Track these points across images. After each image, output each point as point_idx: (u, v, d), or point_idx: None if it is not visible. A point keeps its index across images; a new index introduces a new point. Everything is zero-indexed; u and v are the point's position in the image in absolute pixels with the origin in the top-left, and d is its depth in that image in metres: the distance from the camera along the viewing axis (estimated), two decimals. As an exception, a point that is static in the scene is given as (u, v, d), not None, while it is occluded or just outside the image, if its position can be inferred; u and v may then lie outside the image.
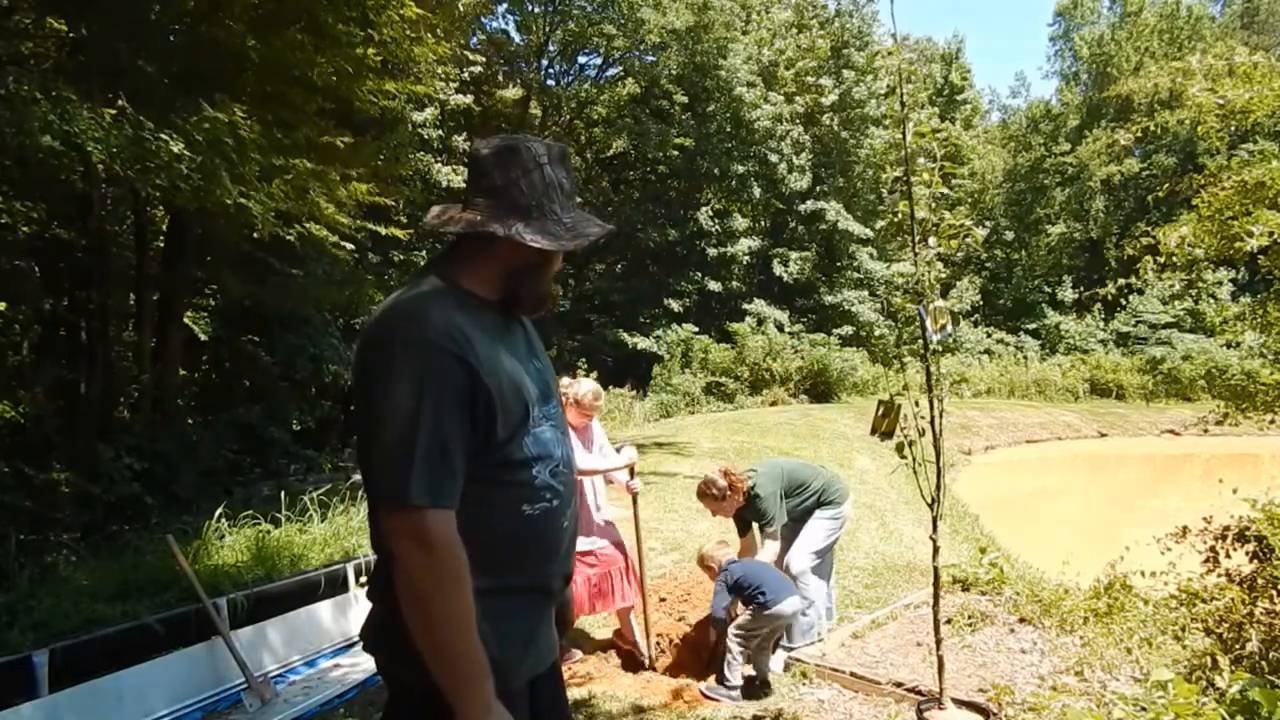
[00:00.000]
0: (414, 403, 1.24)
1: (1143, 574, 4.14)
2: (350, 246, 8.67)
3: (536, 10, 20.29)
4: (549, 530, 1.40)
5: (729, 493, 3.93)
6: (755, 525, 4.05)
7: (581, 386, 3.83)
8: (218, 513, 5.30)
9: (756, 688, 3.60)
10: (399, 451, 1.24)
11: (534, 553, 1.39)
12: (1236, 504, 3.77)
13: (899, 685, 3.42)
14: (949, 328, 2.95)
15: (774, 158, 21.36)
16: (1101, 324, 26.77)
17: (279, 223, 6.72)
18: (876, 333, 22.10)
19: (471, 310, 1.36)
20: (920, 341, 2.89)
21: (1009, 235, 30.26)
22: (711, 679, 3.71)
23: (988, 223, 27.63)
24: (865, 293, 22.54)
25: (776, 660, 3.78)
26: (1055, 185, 30.07)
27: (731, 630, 3.58)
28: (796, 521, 4.08)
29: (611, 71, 22.39)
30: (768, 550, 3.91)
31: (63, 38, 6.10)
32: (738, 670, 3.54)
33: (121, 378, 9.15)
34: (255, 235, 7.04)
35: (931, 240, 2.90)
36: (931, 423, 2.82)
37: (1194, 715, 2.38)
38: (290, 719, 3.62)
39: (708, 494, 3.99)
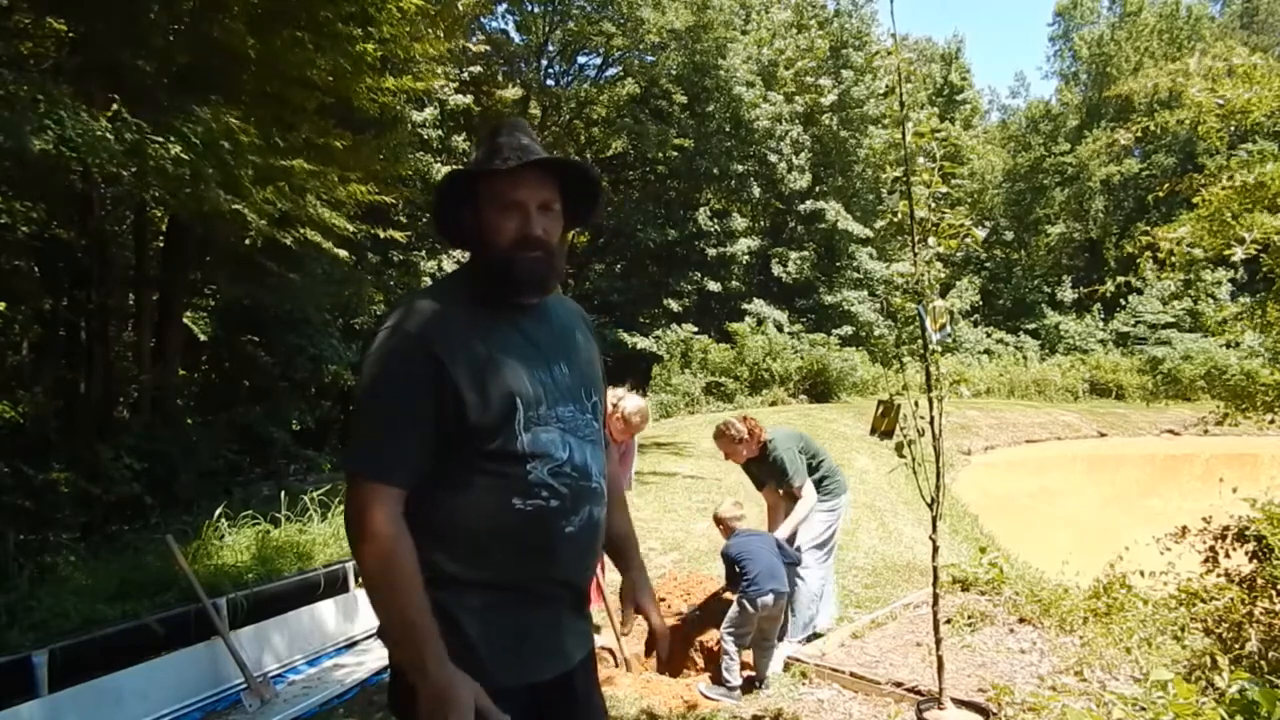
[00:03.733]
0: (374, 385, 1.33)
1: (1142, 574, 4.14)
2: (344, 254, 8.64)
3: (536, 10, 20.28)
4: (541, 529, 1.37)
5: (746, 438, 3.99)
6: (772, 483, 4.12)
7: (628, 404, 3.89)
8: (217, 513, 5.30)
9: (756, 687, 3.61)
10: (355, 427, 1.35)
11: (520, 549, 1.37)
12: (1236, 504, 3.77)
13: (899, 685, 3.42)
14: (949, 327, 2.95)
15: (773, 157, 21.36)
16: (1101, 324, 26.78)
17: (275, 227, 6.71)
18: (876, 333, 22.11)
19: (467, 305, 1.40)
20: (920, 341, 2.89)
21: (1009, 235, 30.27)
22: (710, 678, 3.72)
23: (987, 223, 27.65)
24: (865, 293, 22.53)
25: (776, 660, 3.79)
26: (1055, 185, 30.07)
27: (723, 630, 3.59)
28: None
29: (611, 71, 22.37)
30: (805, 503, 3.97)
31: (62, 38, 6.10)
32: (736, 669, 3.55)
33: (121, 378, 9.14)
34: (246, 241, 7.04)
35: (931, 240, 2.90)
36: (931, 423, 2.82)
37: (1193, 715, 2.38)
38: (290, 719, 3.62)
39: (725, 434, 4.06)
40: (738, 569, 3.61)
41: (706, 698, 3.51)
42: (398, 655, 1.31)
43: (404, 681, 1.38)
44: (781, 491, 4.12)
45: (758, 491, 4.35)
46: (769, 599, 3.53)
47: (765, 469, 4.08)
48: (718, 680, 3.61)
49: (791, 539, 4.00)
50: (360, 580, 1.31)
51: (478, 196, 1.42)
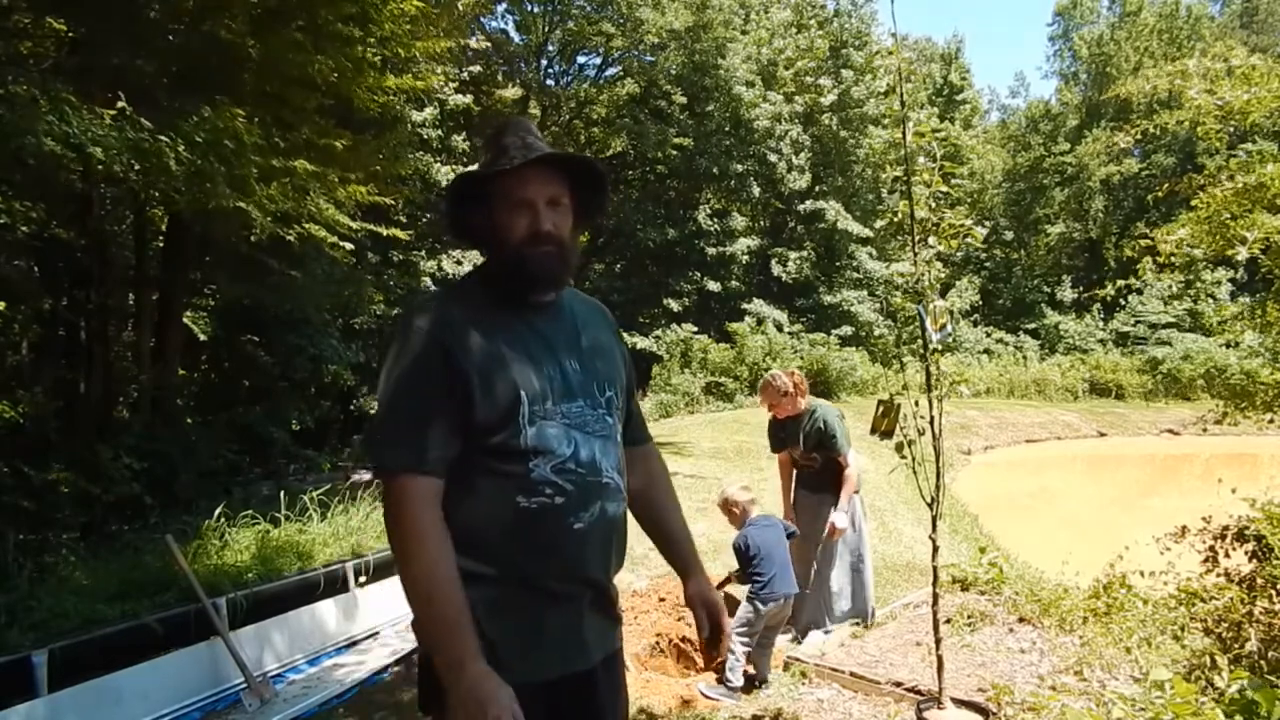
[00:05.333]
0: (394, 381, 1.36)
1: (1142, 574, 4.14)
2: (349, 246, 8.63)
3: (536, 10, 20.29)
4: (547, 526, 1.37)
5: (791, 390, 4.06)
6: (797, 447, 4.13)
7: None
8: (217, 513, 5.29)
9: (756, 686, 3.61)
10: (378, 423, 1.38)
11: (527, 546, 1.36)
12: (1236, 504, 3.77)
13: (898, 685, 3.43)
14: (949, 327, 2.95)
15: (773, 157, 21.36)
16: (1101, 324, 26.79)
17: (278, 224, 6.71)
18: (876, 333, 22.10)
19: (480, 303, 1.42)
20: (920, 341, 2.89)
21: (1008, 235, 30.28)
22: (711, 678, 3.71)
23: (987, 222, 27.63)
24: (865, 292, 22.53)
25: (777, 658, 3.80)
26: (1054, 185, 30.08)
27: (733, 629, 3.58)
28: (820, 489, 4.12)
29: (610, 71, 22.39)
30: (853, 471, 4.08)
31: (62, 38, 6.09)
32: (740, 670, 3.54)
33: (121, 378, 9.12)
34: (252, 237, 7.03)
35: (931, 240, 2.90)
36: (931, 422, 2.82)
37: (1193, 715, 2.38)
38: (290, 719, 3.62)
39: (772, 385, 4.11)
40: (751, 568, 3.60)
41: (707, 697, 3.51)
42: (434, 653, 1.30)
43: (436, 681, 1.37)
44: (799, 457, 4.14)
45: (773, 453, 4.36)
46: (780, 601, 3.53)
47: (806, 434, 4.08)
48: (719, 680, 3.60)
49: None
50: (397, 573, 1.33)
51: (488, 197, 1.44)
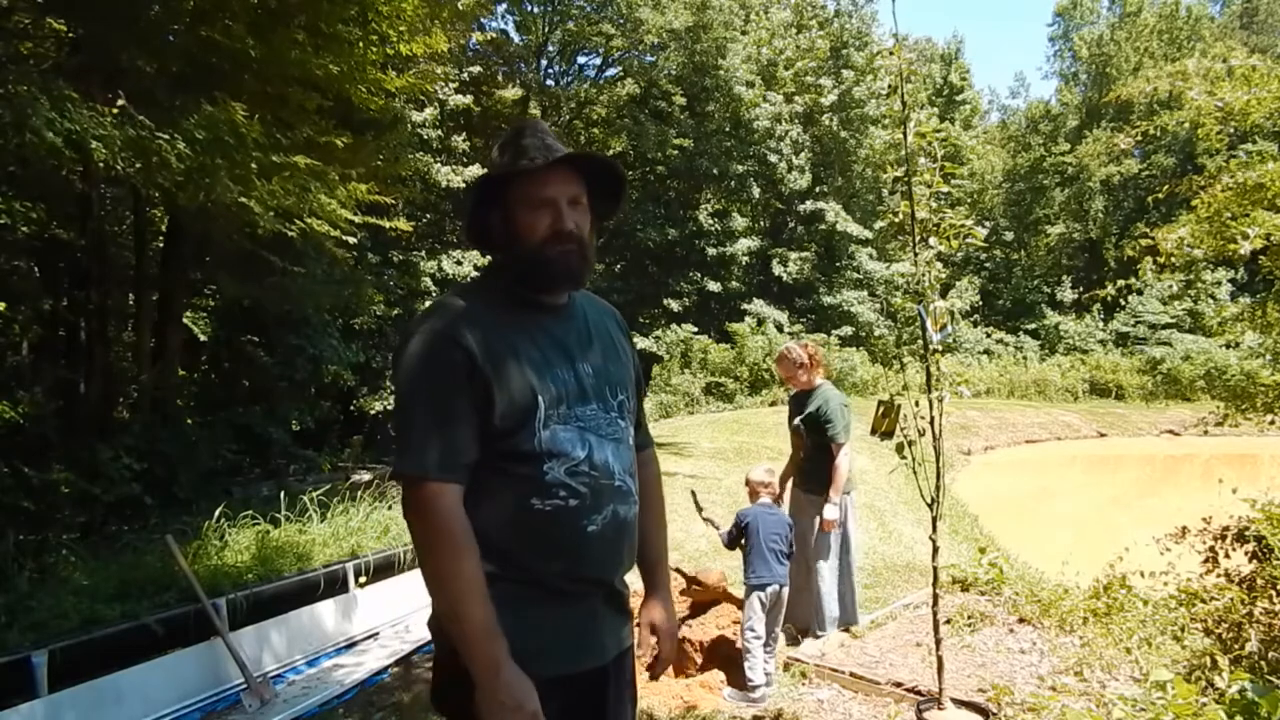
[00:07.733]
0: (414, 383, 1.34)
1: (1142, 574, 4.14)
2: (352, 241, 8.62)
3: (536, 10, 20.29)
4: (562, 528, 1.37)
5: (806, 363, 4.12)
6: (806, 426, 4.11)
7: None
8: (217, 513, 5.29)
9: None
10: (402, 427, 1.35)
11: (542, 549, 1.37)
12: (1236, 504, 3.77)
13: (898, 685, 3.43)
14: (949, 327, 2.95)
15: (773, 157, 21.36)
16: (1101, 324, 26.79)
17: (280, 220, 6.70)
18: (876, 333, 22.11)
19: (495, 305, 1.42)
20: (920, 342, 2.89)
21: (1008, 235, 30.28)
22: (714, 677, 3.69)
23: (987, 223, 27.62)
24: (865, 293, 22.54)
25: (778, 658, 3.79)
26: (1055, 185, 30.10)
27: (743, 627, 3.58)
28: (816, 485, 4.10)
29: (610, 71, 22.39)
30: (843, 461, 4.01)
31: (62, 37, 6.10)
32: (760, 668, 3.51)
33: (121, 378, 9.13)
34: (258, 232, 7.01)
35: (932, 240, 2.90)
36: (931, 423, 2.82)
37: (1193, 715, 2.38)
38: (290, 719, 3.62)
39: (787, 357, 4.18)
40: (747, 542, 3.64)
41: (731, 695, 3.50)
42: (467, 657, 1.29)
43: (447, 675, 1.37)
44: (791, 430, 4.14)
45: (789, 428, 4.37)
46: (774, 586, 3.54)
47: (806, 412, 4.08)
48: (737, 684, 3.58)
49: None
50: (426, 579, 1.32)
51: (507, 198, 1.43)
